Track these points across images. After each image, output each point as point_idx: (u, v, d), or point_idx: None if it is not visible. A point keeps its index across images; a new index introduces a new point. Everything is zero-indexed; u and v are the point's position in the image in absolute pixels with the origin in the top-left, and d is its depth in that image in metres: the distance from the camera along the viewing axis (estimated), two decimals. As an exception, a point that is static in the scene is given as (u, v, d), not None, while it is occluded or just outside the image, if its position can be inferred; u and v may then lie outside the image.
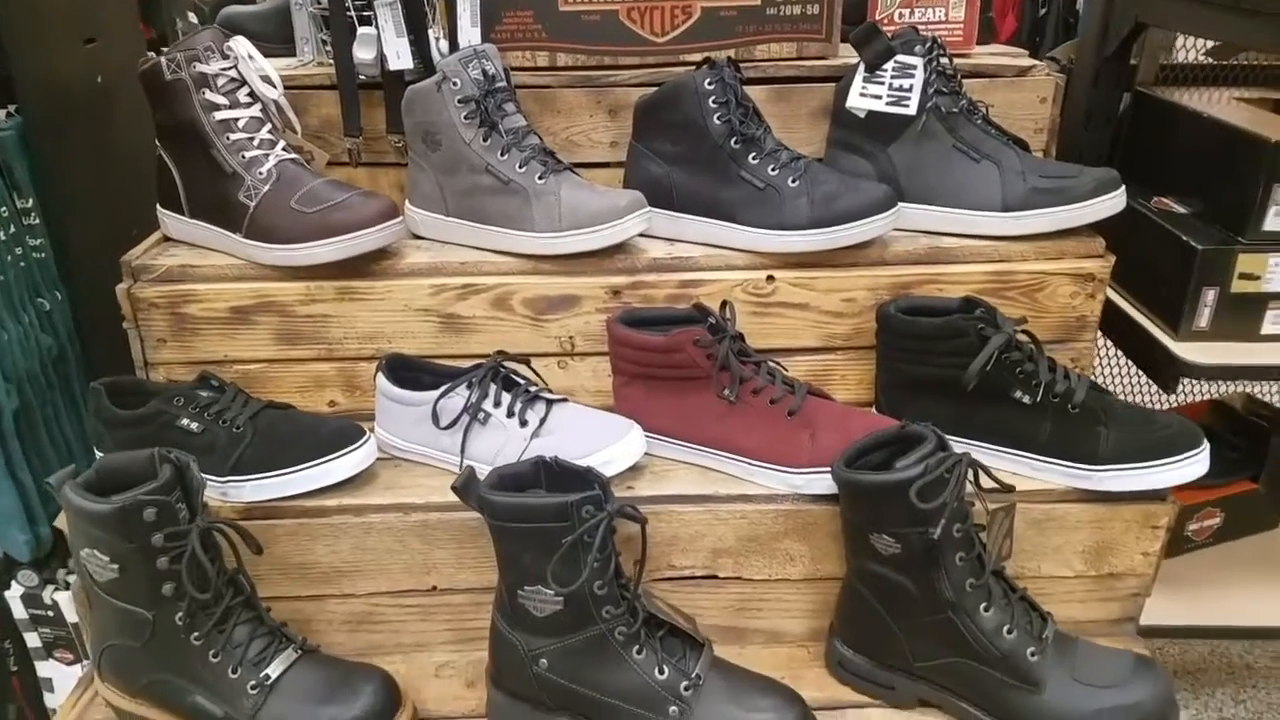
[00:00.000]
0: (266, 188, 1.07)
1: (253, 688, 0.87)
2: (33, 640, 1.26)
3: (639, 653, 0.89)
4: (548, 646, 0.89)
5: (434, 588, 1.03)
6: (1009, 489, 0.91)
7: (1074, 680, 0.89)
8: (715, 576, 1.03)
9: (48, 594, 1.22)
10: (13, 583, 1.22)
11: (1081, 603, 1.04)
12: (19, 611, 1.23)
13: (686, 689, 0.88)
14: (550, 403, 1.03)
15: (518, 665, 0.91)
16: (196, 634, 0.87)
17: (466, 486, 0.87)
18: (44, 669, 1.28)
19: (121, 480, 0.86)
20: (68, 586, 1.22)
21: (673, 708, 0.88)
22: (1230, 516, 1.43)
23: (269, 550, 0.98)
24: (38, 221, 1.15)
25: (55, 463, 1.15)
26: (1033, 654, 0.89)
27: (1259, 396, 1.61)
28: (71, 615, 1.22)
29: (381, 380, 1.05)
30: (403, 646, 1.05)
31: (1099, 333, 1.14)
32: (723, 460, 1.03)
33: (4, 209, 1.10)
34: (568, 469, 0.90)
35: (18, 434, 1.10)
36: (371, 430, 1.05)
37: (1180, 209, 1.22)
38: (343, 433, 1.01)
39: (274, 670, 0.88)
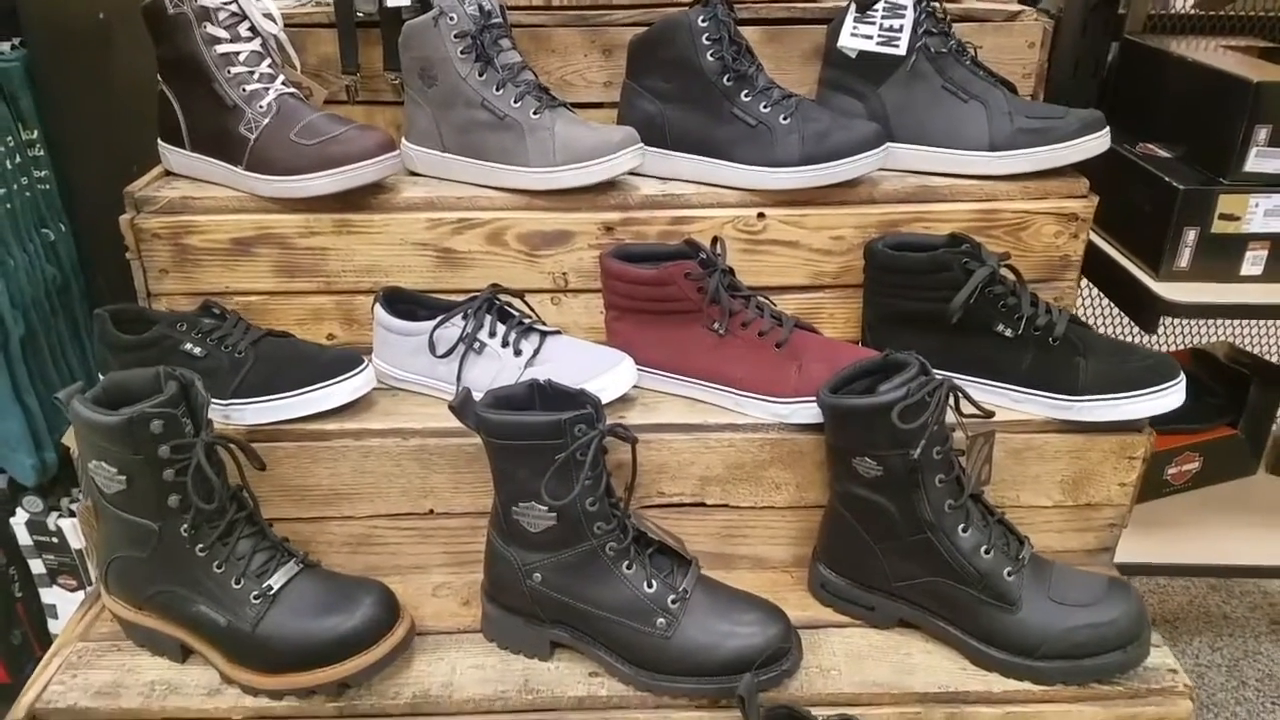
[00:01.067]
0: (267, 121, 1.09)
1: (255, 598, 0.90)
2: (37, 567, 1.29)
3: (629, 568, 0.92)
4: (541, 561, 0.92)
5: (431, 511, 1.06)
6: (988, 414, 0.94)
7: (1049, 599, 0.92)
8: (703, 504, 1.06)
9: (52, 520, 1.24)
10: (18, 509, 1.25)
11: (1059, 532, 1.08)
12: (24, 538, 1.26)
13: (674, 602, 0.92)
14: (544, 334, 1.05)
15: (512, 580, 0.94)
16: (201, 546, 0.90)
17: (463, 406, 0.90)
18: (48, 596, 1.31)
19: (128, 396, 0.88)
20: (72, 514, 1.25)
21: (660, 619, 0.91)
22: (1208, 462, 1.47)
23: (270, 472, 1.01)
24: (42, 153, 1.17)
25: (60, 390, 1.17)
26: (1009, 574, 0.92)
27: (1240, 346, 1.64)
28: (75, 542, 1.25)
29: (379, 311, 1.07)
30: (400, 568, 1.08)
31: (1082, 278, 1.17)
32: (712, 391, 1.05)
33: (9, 139, 1.11)
34: (561, 391, 0.92)
35: (24, 360, 1.12)
36: (369, 360, 1.07)
37: (1164, 154, 1.25)
38: (342, 359, 1.03)
39: (276, 582, 0.91)
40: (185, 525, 0.89)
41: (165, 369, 0.89)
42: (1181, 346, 1.74)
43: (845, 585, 1.01)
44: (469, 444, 1.02)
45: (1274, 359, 1.73)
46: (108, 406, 0.87)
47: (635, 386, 1.06)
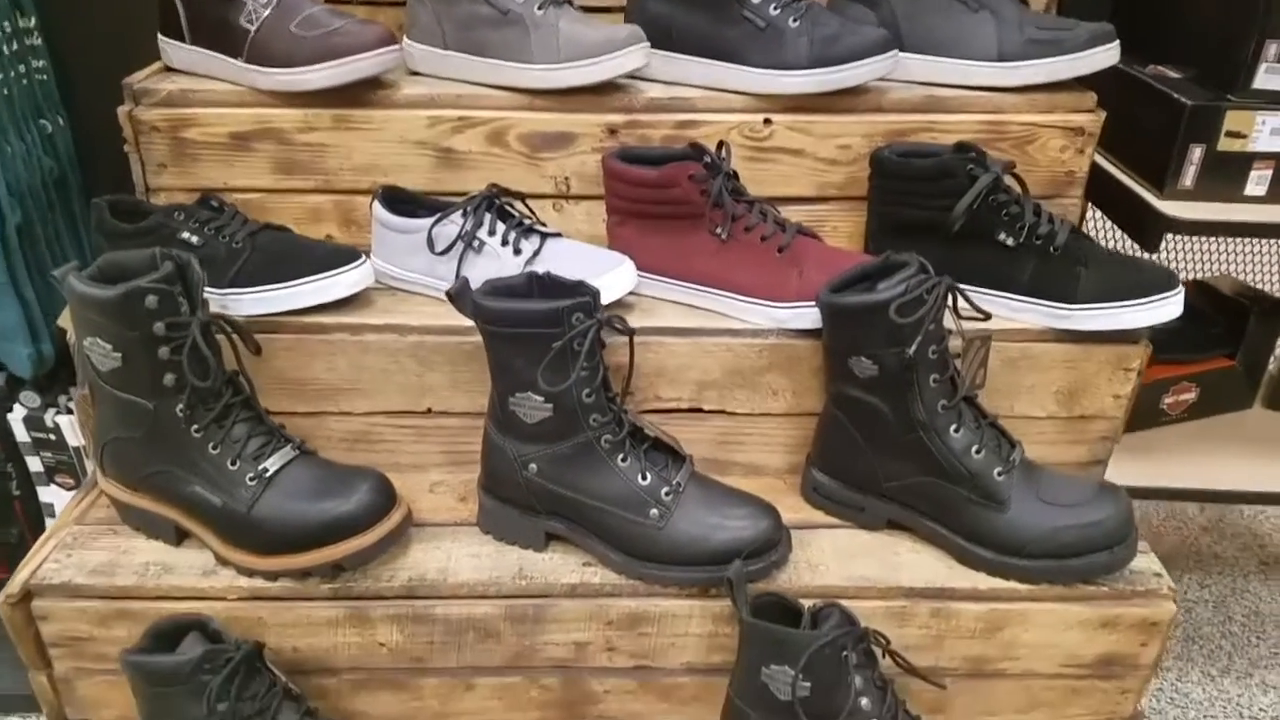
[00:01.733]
0: (267, 12, 1.07)
1: (251, 479, 0.90)
2: (34, 465, 1.29)
3: (623, 460, 0.93)
4: (537, 453, 0.93)
5: (429, 410, 1.07)
6: (985, 316, 0.94)
7: (1038, 500, 0.93)
8: (700, 410, 1.07)
9: (49, 417, 1.25)
10: (15, 405, 1.25)
11: (1052, 444, 1.08)
12: (21, 434, 1.26)
13: (667, 494, 0.92)
14: (544, 235, 1.05)
15: (508, 470, 0.95)
16: (196, 426, 0.90)
17: (460, 294, 0.90)
18: (45, 494, 1.32)
19: (124, 274, 0.88)
20: (69, 411, 1.25)
21: (653, 510, 0.92)
22: (1205, 392, 1.47)
23: (267, 365, 1.01)
24: (40, 42, 1.15)
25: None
26: (999, 474, 0.93)
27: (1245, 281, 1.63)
28: (73, 439, 1.26)
29: (378, 208, 1.07)
30: (398, 466, 1.09)
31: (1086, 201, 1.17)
32: (712, 297, 1.05)
33: (5, 24, 1.10)
34: (559, 282, 0.92)
35: (20, 250, 1.12)
36: (368, 258, 1.07)
37: (1174, 75, 1.23)
38: (340, 253, 1.03)
39: (272, 465, 0.91)
40: (180, 405, 0.89)
41: (161, 249, 0.89)
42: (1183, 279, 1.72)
43: (836, 487, 1.02)
44: (467, 342, 1.02)
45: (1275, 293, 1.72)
46: (104, 284, 0.86)
47: (635, 293, 1.05)
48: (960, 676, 0.98)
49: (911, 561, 0.98)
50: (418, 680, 0.98)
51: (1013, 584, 0.94)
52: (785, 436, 1.08)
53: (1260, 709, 1.60)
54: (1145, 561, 0.98)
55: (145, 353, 0.86)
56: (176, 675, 0.80)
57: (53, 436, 1.26)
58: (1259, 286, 1.74)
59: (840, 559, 0.98)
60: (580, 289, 0.90)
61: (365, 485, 0.92)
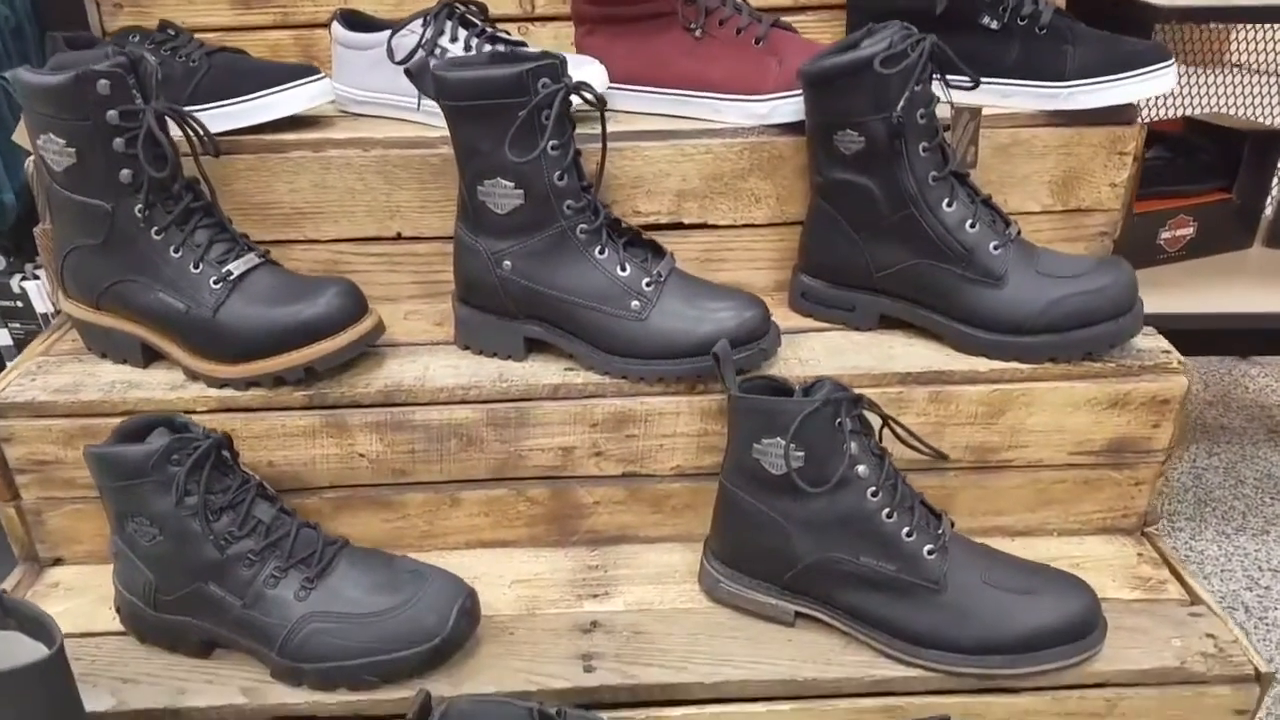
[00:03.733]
0: None
1: (215, 282, 0.87)
2: (3, 338, 1.26)
3: (601, 252, 0.89)
4: (510, 248, 0.89)
5: (399, 235, 1.03)
6: (974, 81, 0.90)
7: (1037, 273, 0.89)
8: (681, 224, 1.03)
9: (15, 282, 1.21)
10: (-19, 276, 1.22)
11: (1048, 241, 1.03)
12: (-12, 305, 1.23)
13: (648, 285, 0.88)
14: (510, 43, 1.01)
15: (482, 272, 0.91)
16: (156, 229, 0.86)
17: (420, 70, 0.86)
18: (18, 373, 1.28)
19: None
20: (36, 277, 1.22)
21: (634, 302, 0.88)
22: (1203, 227, 1.43)
23: (230, 188, 0.98)
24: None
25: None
26: (995, 248, 0.89)
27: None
28: (41, 305, 1.22)
29: (336, 28, 1.03)
30: (371, 299, 1.04)
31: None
32: (688, 102, 1.01)
33: None
34: (522, 55, 0.88)
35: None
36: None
37: None
38: (299, 69, 0.99)
39: (236, 269, 0.88)
40: (139, 205, 0.85)
41: (114, 47, 0.85)
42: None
43: (825, 288, 0.98)
44: (435, 155, 0.99)
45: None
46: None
47: (610, 110, 1.01)
48: (964, 470, 0.94)
49: (906, 353, 0.94)
50: (401, 496, 0.94)
51: (1014, 364, 0.91)
52: (769, 250, 1.04)
53: (1278, 561, 1.57)
54: (1152, 341, 0.95)
55: (99, 145, 0.83)
56: (143, 466, 0.77)
57: (20, 304, 1.22)
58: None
59: (832, 354, 0.94)
60: (545, 56, 0.86)
61: (333, 289, 0.88)
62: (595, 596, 0.91)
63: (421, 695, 0.72)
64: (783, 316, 1.00)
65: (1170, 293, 1.35)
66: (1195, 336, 1.54)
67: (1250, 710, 0.83)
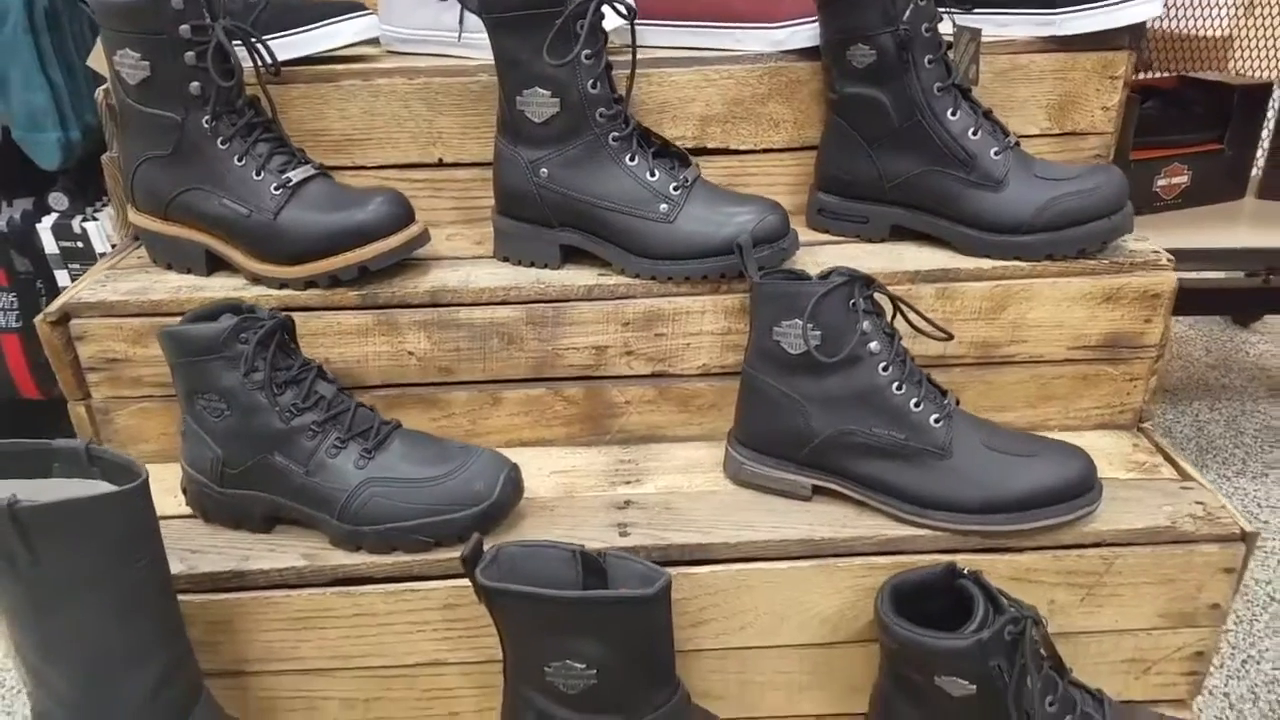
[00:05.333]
0: None
1: (276, 189, 0.94)
2: (63, 278, 1.33)
3: (631, 159, 0.96)
4: (547, 156, 0.96)
5: (440, 161, 1.10)
6: (970, 4, 0.98)
7: (1035, 176, 0.96)
8: (704, 148, 1.10)
9: (77, 223, 1.29)
10: (44, 217, 1.29)
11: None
12: (50, 245, 1.31)
13: (676, 189, 0.96)
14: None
15: (521, 181, 0.98)
16: (222, 139, 0.94)
17: (461, -17, 0.94)
18: (75, 313, 1.36)
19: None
20: (95, 219, 1.29)
21: (663, 206, 0.95)
22: (1197, 177, 1.50)
23: (284, 116, 1.05)
24: None
25: (80, 69, 1.22)
26: (995, 154, 0.96)
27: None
28: (100, 245, 1.30)
29: (383, -29, 1.11)
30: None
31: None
32: (709, 33, 1.09)
33: None
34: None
35: (49, 33, 1.16)
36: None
37: None
38: (346, 6, 1.07)
39: (295, 176, 0.95)
40: (206, 117, 0.93)
41: (182, -26, 0.93)
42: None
43: (839, 202, 1.06)
44: (474, 82, 1.06)
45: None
46: None
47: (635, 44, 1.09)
48: (969, 365, 1.01)
49: (915, 256, 1.01)
50: (447, 394, 1.01)
51: (1015, 263, 0.97)
52: (788, 174, 1.12)
53: (1277, 500, 1.62)
54: (1143, 243, 1.01)
55: (172, 58, 0.90)
56: (213, 343, 0.84)
57: (80, 244, 1.30)
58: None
59: (846, 261, 1.00)
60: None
61: (383, 196, 0.95)
62: (628, 483, 0.98)
63: (475, 539, 0.78)
64: (801, 234, 1.07)
65: (1168, 235, 1.42)
66: (1192, 296, 1.61)
67: (1236, 569, 0.89)
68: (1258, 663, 1.29)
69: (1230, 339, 2.22)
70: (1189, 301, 1.86)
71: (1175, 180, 1.49)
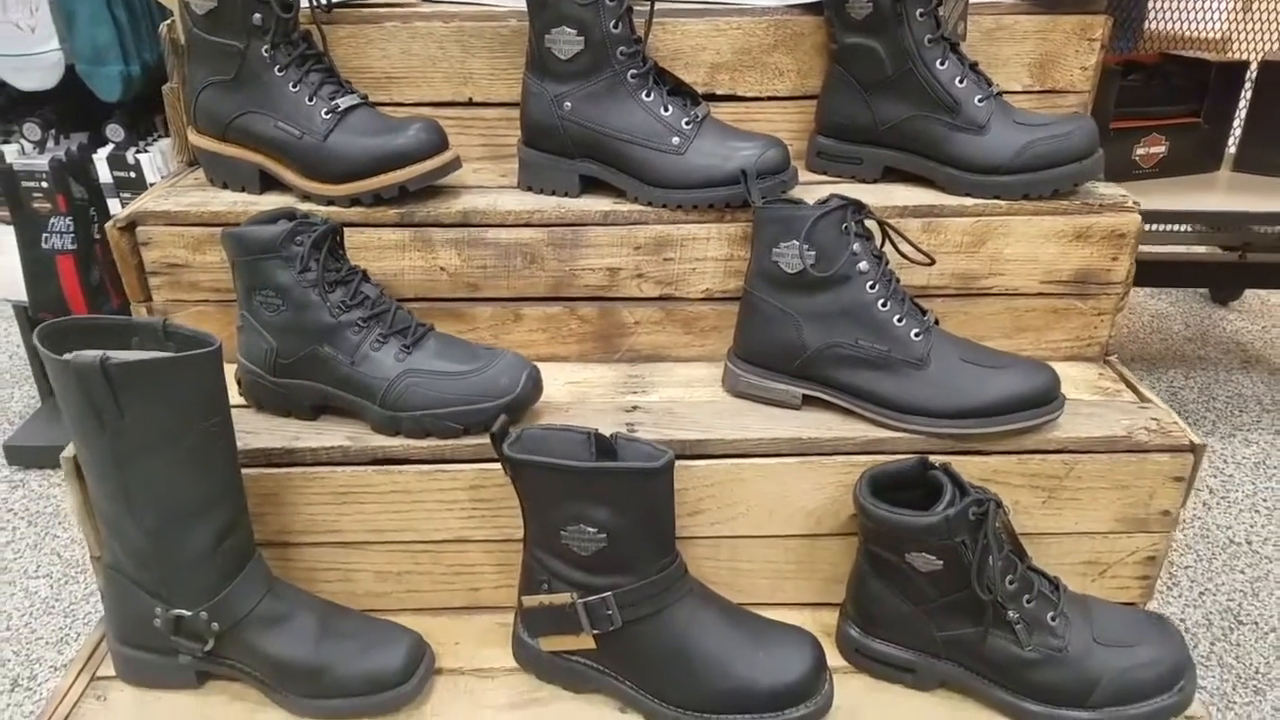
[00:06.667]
0: None
1: (326, 114, 1.04)
2: (115, 207, 1.43)
3: (647, 95, 1.06)
4: (571, 90, 1.06)
5: (470, 100, 1.20)
6: (962, -39, 1.07)
7: (1014, 122, 1.06)
8: (713, 94, 1.20)
9: (131, 155, 1.39)
10: (99, 149, 1.39)
11: (1028, 119, 1.21)
12: (104, 174, 1.40)
13: (687, 124, 1.06)
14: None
15: (545, 114, 1.08)
16: (279, 67, 1.04)
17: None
18: (124, 241, 1.45)
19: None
20: (148, 151, 1.39)
21: (675, 138, 1.05)
22: (1174, 147, 1.60)
23: (332, 53, 1.15)
24: None
25: (140, 8, 1.31)
26: (979, 100, 1.06)
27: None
28: (152, 176, 1.40)
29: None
30: (444, 156, 1.22)
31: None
32: (720, -10, 1.19)
33: None
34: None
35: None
36: (416, -31, 1.20)
37: None
38: (393, -47, 1.17)
39: (343, 103, 1.05)
40: (266, 46, 1.03)
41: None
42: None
43: (837, 145, 1.15)
44: (504, 27, 1.16)
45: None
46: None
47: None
48: (950, 296, 1.11)
49: (905, 194, 1.11)
50: (473, 309, 1.11)
51: (995, 201, 1.07)
52: (790, 121, 1.21)
53: (1242, 458, 1.72)
54: (1112, 189, 1.11)
55: (236, -12, 1.00)
56: (271, 243, 0.93)
57: (133, 175, 1.39)
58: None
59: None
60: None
61: (420, 124, 1.05)
62: (635, 393, 1.08)
63: (503, 419, 0.88)
64: (801, 177, 1.17)
65: (1145, 200, 1.51)
66: (1171, 269, 1.71)
67: (1186, 477, 0.99)
68: (1214, 595, 1.39)
69: (1209, 315, 2.32)
70: (1168, 275, 1.97)
71: (1154, 150, 1.58)
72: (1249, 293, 2.40)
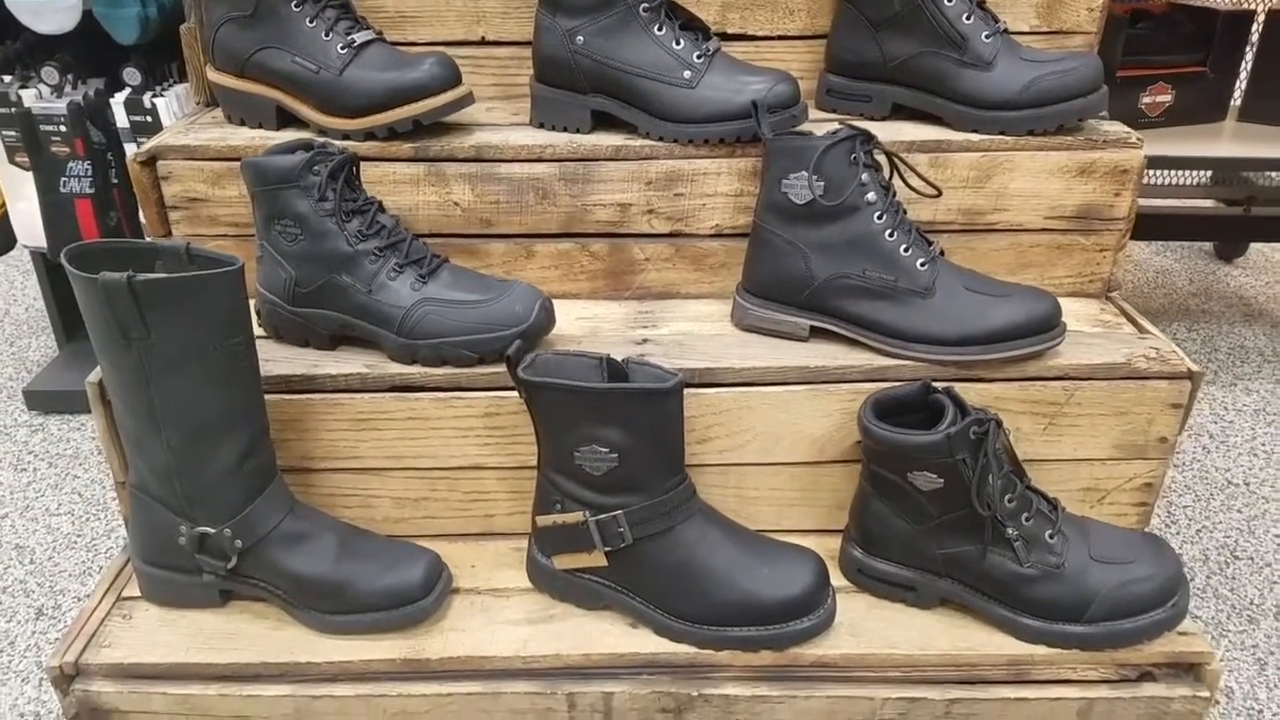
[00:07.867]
0: None
1: (341, 49, 1.06)
2: (131, 150, 1.44)
3: (659, 30, 1.07)
4: (583, 24, 1.08)
5: (483, 39, 1.21)
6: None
7: (1020, 59, 1.08)
8: (725, 34, 1.21)
9: (147, 99, 1.40)
10: (116, 94, 1.41)
11: (1034, 60, 1.22)
12: (121, 119, 1.42)
13: (699, 58, 1.07)
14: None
15: (558, 49, 1.09)
16: (296, 3, 1.05)
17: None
18: (139, 185, 1.47)
19: None
20: (163, 96, 1.41)
21: (686, 72, 1.07)
22: (1180, 96, 1.61)
23: (345, -8, 1.16)
24: None
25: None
26: (986, 36, 1.08)
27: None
28: (167, 120, 1.41)
29: None
30: (457, 97, 1.24)
31: None
32: (731, -69, 1.20)
33: None
34: None
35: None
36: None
37: None
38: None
39: (358, 38, 1.07)
40: (282, -19, 1.04)
41: None
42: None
43: (846, 82, 1.17)
44: (517, -38, 1.17)
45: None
46: None
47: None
48: (956, 231, 1.13)
49: (913, 130, 1.12)
50: (487, 245, 1.13)
51: (1001, 136, 1.09)
52: (800, 60, 1.22)
53: (1243, 405, 1.74)
54: (1115, 126, 1.13)
55: (252, -72, 1.02)
56: (290, 173, 0.95)
57: (149, 119, 1.41)
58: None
59: (849, 132, 1.12)
60: None
61: (433, 59, 1.07)
62: (646, 328, 1.10)
63: (518, 343, 0.91)
64: (810, 115, 1.18)
65: (1151, 146, 1.52)
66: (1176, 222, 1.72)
67: (1183, 404, 1.01)
68: (1210, 532, 1.42)
69: (1213, 271, 2.33)
70: (1173, 227, 1.98)
71: (1159, 99, 1.59)
72: (1253, 248, 2.41)
